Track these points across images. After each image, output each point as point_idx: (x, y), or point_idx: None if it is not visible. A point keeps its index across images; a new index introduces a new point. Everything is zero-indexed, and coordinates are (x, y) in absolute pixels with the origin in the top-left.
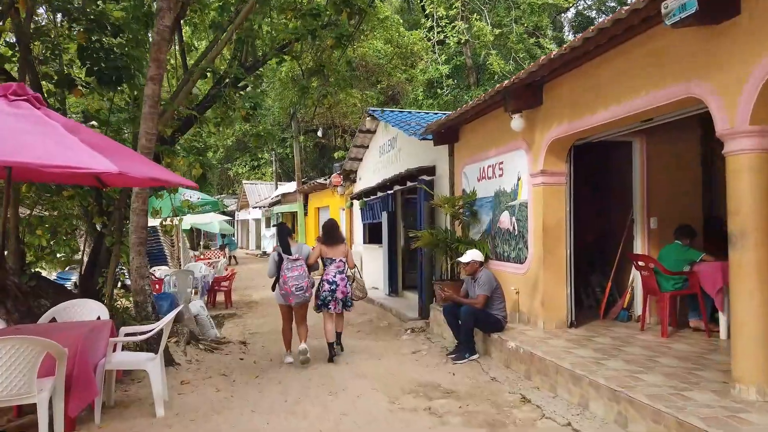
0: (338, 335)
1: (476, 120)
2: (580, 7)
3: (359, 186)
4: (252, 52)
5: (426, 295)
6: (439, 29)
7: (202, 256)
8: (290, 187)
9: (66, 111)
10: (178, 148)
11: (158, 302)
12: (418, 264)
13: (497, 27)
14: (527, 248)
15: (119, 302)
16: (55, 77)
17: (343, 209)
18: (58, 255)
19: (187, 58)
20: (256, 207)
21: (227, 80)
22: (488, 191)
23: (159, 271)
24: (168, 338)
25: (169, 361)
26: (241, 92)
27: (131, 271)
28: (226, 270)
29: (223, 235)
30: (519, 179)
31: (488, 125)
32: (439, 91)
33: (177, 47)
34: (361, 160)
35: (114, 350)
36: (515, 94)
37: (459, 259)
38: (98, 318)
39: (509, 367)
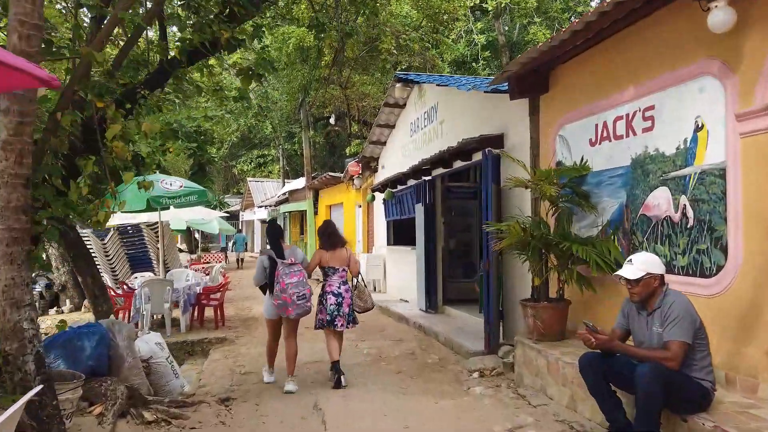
0: (336, 364)
1: (592, 48)
2: None
3: (382, 175)
4: None
5: (494, 318)
6: None
7: (199, 260)
8: (299, 183)
9: None
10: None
11: (77, 342)
12: (483, 275)
13: None
14: (721, 249)
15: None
16: None
17: (360, 206)
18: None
19: None
20: (261, 206)
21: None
22: (615, 159)
23: (139, 278)
24: (89, 409)
25: None
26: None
27: None
28: (224, 277)
29: (229, 236)
30: (700, 129)
31: (619, 50)
32: (474, 65)
33: None
34: (384, 144)
35: None
36: None
37: (620, 272)
38: None
39: None
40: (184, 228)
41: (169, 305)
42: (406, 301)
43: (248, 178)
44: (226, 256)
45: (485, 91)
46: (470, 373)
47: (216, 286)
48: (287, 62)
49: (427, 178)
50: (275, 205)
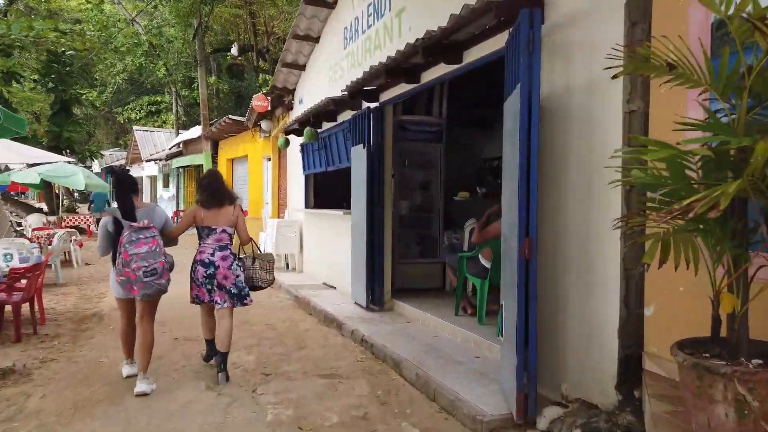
0: (222, 357)
1: None
2: None
3: (300, 111)
4: None
5: (532, 353)
6: None
7: (60, 223)
8: (194, 132)
9: None
10: None
11: None
12: (517, 266)
13: None
14: None
15: None
16: None
17: (269, 159)
18: None
19: None
20: (150, 160)
21: None
22: None
23: None
24: None
25: None
26: None
27: None
28: (80, 247)
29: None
30: None
31: None
32: None
33: None
34: (303, 68)
35: None
36: None
37: None
38: None
39: None
40: (38, 182)
41: None
42: (333, 287)
43: (135, 127)
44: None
45: None
46: None
47: (22, 269)
48: None
49: (373, 105)
50: (166, 159)
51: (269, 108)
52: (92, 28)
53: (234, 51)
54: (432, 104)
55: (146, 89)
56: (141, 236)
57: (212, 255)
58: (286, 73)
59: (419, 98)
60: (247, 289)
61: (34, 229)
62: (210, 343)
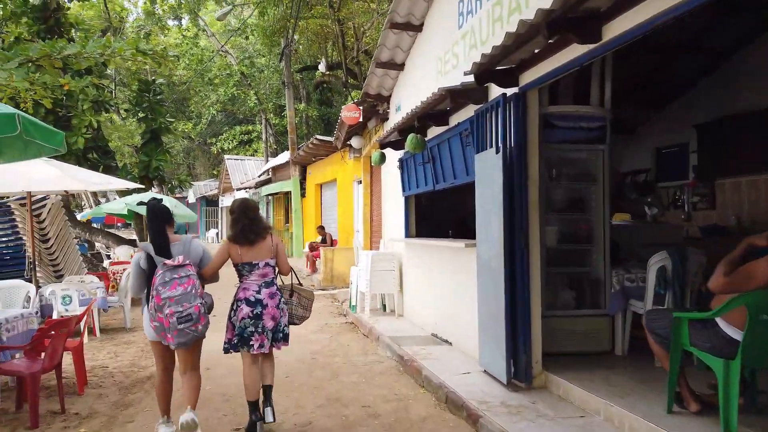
0: (267, 390)
1: None
2: None
3: (397, 120)
4: None
5: None
6: None
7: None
8: (282, 157)
9: None
10: None
11: None
12: None
13: None
14: None
15: None
16: None
17: (360, 182)
18: None
19: None
20: (240, 189)
21: None
22: None
23: None
24: None
25: None
26: None
27: None
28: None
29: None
30: None
31: None
32: None
33: None
34: (401, 67)
35: None
36: None
37: None
38: None
39: None
40: (125, 212)
41: None
42: (447, 341)
43: (226, 156)
44: None
45: None
46: None
47: (46, 326)
48: None
49: (510, 90)
50: (256, 187)
51: (360, 120)
52: (188, 62)
53: (322, 67)
54: (588, 88)
55: (238, 119)
56: (176, 276)
57: (258, 292)
58: (380, 76)
59: (564, 81)
60: (286, 329)
61: (111, 264)
62: (254, 405)
